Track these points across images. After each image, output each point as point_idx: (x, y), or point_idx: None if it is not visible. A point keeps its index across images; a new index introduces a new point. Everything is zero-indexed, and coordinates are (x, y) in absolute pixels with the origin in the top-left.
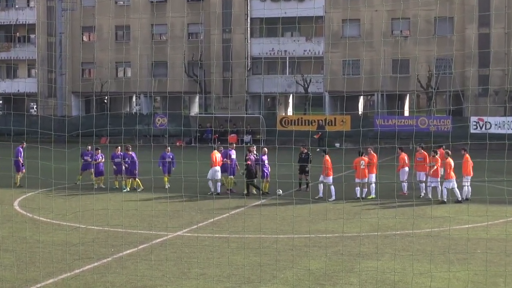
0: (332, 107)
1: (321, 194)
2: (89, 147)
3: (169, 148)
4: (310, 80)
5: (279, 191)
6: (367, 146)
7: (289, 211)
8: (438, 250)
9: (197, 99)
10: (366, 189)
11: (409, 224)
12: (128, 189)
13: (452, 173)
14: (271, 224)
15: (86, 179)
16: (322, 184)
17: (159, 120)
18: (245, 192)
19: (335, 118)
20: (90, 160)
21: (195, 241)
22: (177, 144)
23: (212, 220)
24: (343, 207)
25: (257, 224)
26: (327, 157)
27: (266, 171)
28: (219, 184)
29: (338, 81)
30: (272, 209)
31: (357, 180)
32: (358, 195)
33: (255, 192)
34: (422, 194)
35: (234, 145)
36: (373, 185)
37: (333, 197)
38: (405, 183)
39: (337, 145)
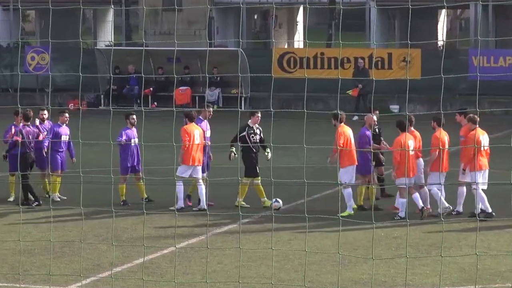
0: (384, 32)
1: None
2: (67, 114)
3: (64, 115)
4: None
5: (276, 202)
6: (458, 111)
7: (297, 242)
8: None
9: (110, 16)
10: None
11: None
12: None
13: (484, 160)
14: (261, 268)
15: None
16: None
17: (34, 57)
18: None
19: (390, 54)
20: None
21: None
22: (71, 106)
23: (142, 260)
24: (406, 233)
25: (232, 269)
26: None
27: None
28: None
29: None
30: (262, 237)
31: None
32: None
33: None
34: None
35: (211, 109)
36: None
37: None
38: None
39: (395, 108)
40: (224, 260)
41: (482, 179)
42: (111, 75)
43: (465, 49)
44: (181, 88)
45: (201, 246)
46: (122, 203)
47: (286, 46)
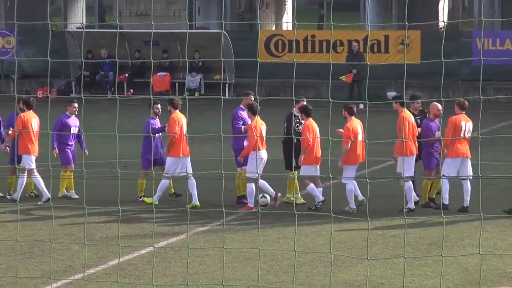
0: (381, 13)
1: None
2: (76, 104)
3: (73, 104)
4: None
5: (264, 197)
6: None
7: (286, 241)
8: None
9: None
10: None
11: None
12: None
13: (464, 147)
14: (246, 269)
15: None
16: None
17: None
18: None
19: (386, 36)
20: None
21: None
22: (39, 93)
23: (117, 261)
24: (404, 231)
25: (215, 270)
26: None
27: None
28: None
29: None
30: (247, 236)
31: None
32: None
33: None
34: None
35: (252, 96)
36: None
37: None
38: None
39: (391, 95)
40: (207, 261)
41: (463, 167)
42: (83, 60)
43: (468, 31)
44: (159, 74)
45: (181, 246)
46: (140, 199)
47: (273, 28)
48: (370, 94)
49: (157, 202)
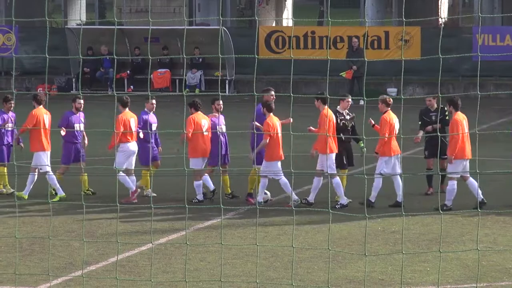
0: (381, 9)
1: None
2: (154, 100)
3: (152, 101)
4: None
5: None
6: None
7: (286, 238)
8: None
9: None
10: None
11: None
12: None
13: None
14: (247, 265)
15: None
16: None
17: None
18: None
19: (386, 32)
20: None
21: None
22: (40, 90)
23: (116, 259)
24: (405, 227)
25: (216, 266)
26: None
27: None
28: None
29: None
30: (248, 232)
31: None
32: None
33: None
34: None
35: (272, 92)
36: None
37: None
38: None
39: (393, 91)
40: (207, 257)
41: (398, 164)
42: (82, 57)
43: (468, 27)
44: (159, 70)
45: (182, 242)
46: (230, 196)
47: (274, 24)
48: (370, 92)
49: (26, 197)
